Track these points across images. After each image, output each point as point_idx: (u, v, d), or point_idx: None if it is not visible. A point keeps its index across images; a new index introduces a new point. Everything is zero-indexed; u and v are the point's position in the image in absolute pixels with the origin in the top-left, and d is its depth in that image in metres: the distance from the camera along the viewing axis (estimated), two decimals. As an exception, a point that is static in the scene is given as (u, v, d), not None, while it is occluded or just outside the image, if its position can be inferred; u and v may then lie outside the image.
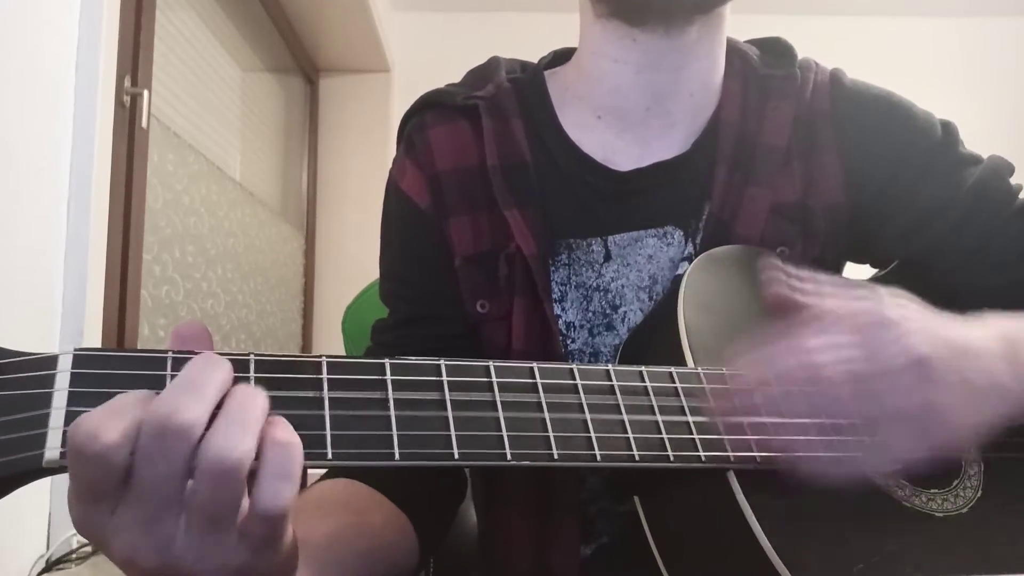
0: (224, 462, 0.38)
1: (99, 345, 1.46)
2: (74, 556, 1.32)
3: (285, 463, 0.39)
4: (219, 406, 0.40)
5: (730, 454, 0.51)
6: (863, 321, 0.54)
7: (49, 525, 1.32)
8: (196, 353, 0.43)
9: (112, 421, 0.38)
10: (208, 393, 0.39)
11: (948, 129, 0.76)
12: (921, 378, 0.52)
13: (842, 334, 0.54)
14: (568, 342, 0.73)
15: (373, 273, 0.88)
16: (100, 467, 0.37)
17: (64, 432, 0.39)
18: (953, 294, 0.75)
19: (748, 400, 0.53)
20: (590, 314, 0.73)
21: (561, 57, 0.84)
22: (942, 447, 0.53)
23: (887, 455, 0.53)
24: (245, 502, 0.39)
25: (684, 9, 0.70)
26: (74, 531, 1.33)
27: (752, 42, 0.82)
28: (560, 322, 0.73)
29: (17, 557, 1.25)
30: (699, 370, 0.55)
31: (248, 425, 0.39)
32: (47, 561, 1.28)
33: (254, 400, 0.40)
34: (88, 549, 1.34)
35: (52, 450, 0.38)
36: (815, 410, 0.53)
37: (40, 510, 1.30)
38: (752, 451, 0.52)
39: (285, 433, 0.40)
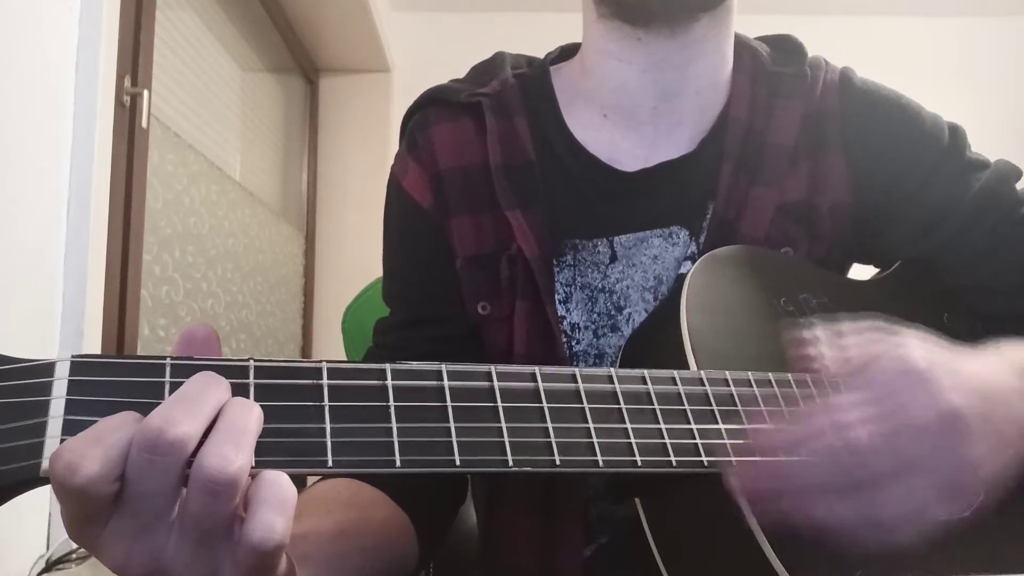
0: (218, 477, 0.37)
1: (99, 345, 1.46)
2: (74, 556, 1.31)
3: (271, 490, 0.39)
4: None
5: (732, 459, 0.51)
6: (889, 373, 0.51)
7: (49, 525, 1.31)
8: (194, 360, 0.42)
9: (93, 450, 0.36)
10: (203, 409, 0.39)
11: (956, 133, 0.76)
12: (954, 433, 0.49)
13: (868, 390, 0.50)
14: (573, 343, 0.72)
15: (373, 273, 0.88)
16: (83, 498, 0.37)
17: (61, 441, 0.38)
18: (959, 295, 0.75)
19: (774, 468, 0.49)
20: (595, 315, 0.73)
21: (568, 52, 0.83)
22: (971, 498, 0.51)
23: (917, 513, 0.49)
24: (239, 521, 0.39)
25: (687, 8, 0.70)
26: (74, 532, 1.33)
27: (762, 39, 0.81)
28: (565, 323, 0.72)
29: (17, 557, 1.25)
30: (702, 373, 0.55)
31: (243, 439, 0.38)
32: (47, 561, 1.28)
33: (248, 414, 0.40)
34: (88, 550, 1.33)
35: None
36: (842, 472, 0.49)
37: (40, 510, 1.30)
38: (755, 455, 0.52)
39: (272, 472, 0.39)
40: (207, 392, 0.39)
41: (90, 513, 0.38)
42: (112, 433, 0.37)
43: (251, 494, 0.39)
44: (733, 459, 0.50)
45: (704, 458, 0.50)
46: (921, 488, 0.48)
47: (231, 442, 0.38)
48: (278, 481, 0.39)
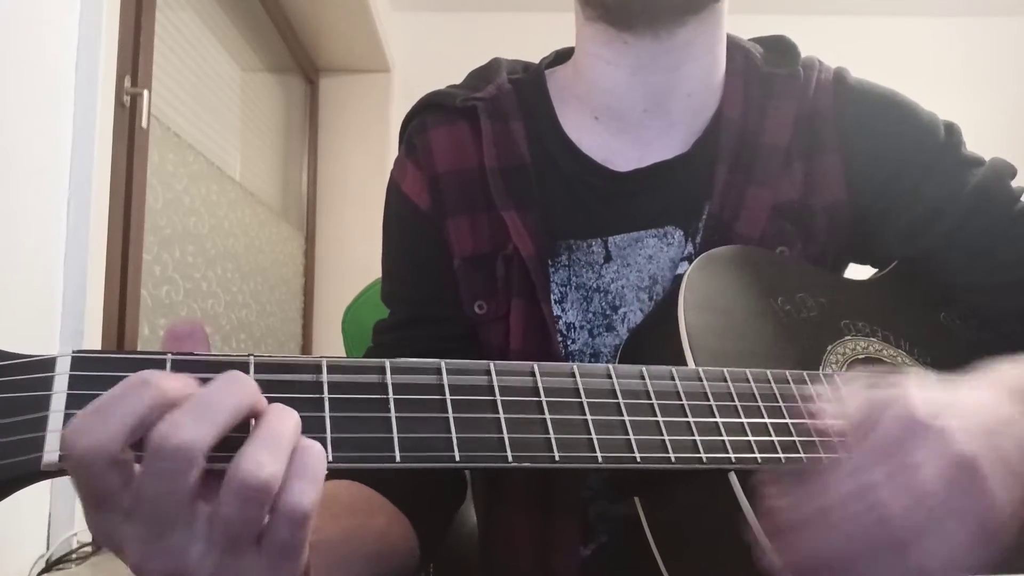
0: (252, 482, 0.37)
1: (99, 345, 1.46)
2: (74, 556, 1.32)
3: (311, 464, 0.39)
4: (241, 427, 0.39)
5: (731, 455, 0.51)
6: (897, 429, 0.49)
7: (49, 525, 1.32)
8: (195, 355, 0.43)
9: (96, 422, 0.37)
10: (219, 414, 0.38)
11: (951, 130, 0.76)
12: (972, 476, 0.48)
13: (878, 450, 0.49)
14: (568, 343, 0.73)
15: (373, 273, 0.88)
16: (89, 473, 0.37)
17: (62, 435, 0.38)
18: (956, 294, 0.75)
19: (811, 543, 0.48)
20: (590, 315, 0.73)
21: (563, 57, 0.84)
22: (1003, 535, 0.49)
23: (955, 560, 0.48)
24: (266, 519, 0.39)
25: (670, 11, 0.70)
26: (74, 531, 1.33)
27: (756, 40, 0.81)
28: (560, 323, 0.73)
29: (17, 557, 1.25)
30: (700, 370, 0.55)
31: (279, 447, 0.38)
32: (47, 561, 1.28)
33: (287, 421, 0.40)
34: (88, 549, 1.34)
35: (50, 453, 0.38)
36: (874, 536, 0.47)
37: (40, 510, 1.30)
38: (753, 452, 0.52)
39: (308, 440, 0.40)
40: (225, 395, 0.39)
41: (101, 495, 0.38)
42: (115, 404, 0.37)
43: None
44: (763, 538, 0.50)
45: (703, 455, 0.51)
46: (954, 534, 0.47)
47: (267, 448, 0.38)
48: (309, 446, 0.39)
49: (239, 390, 0.39)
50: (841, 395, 0.54)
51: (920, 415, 0.49)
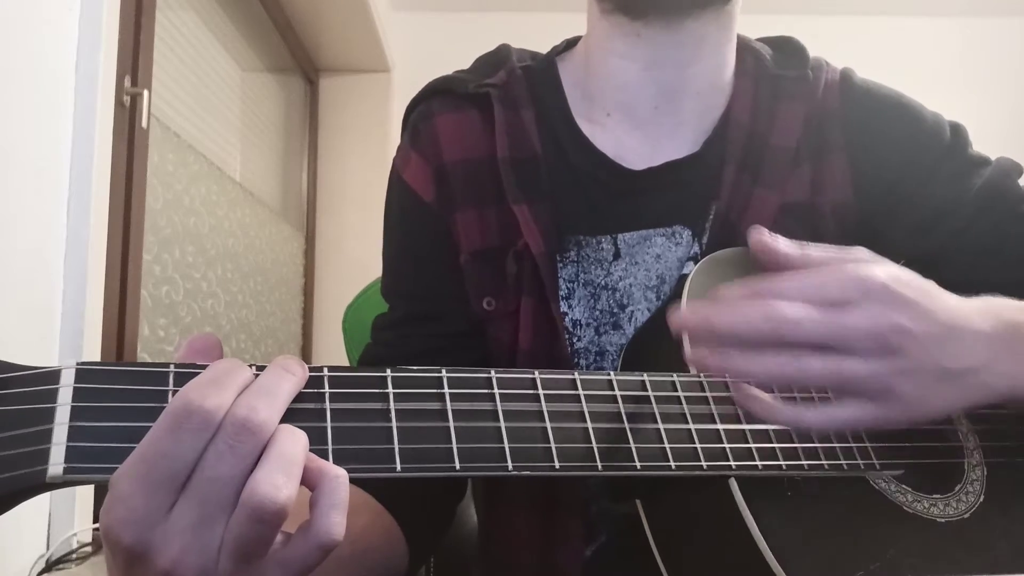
0: (269, 505, 0.38)
1: (99, 344, 1.46)
2: (74, 556, 1.32)
3: (340, 493, 0.41)
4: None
5: (731, 463, 0.51)
6: (842, 278, 0.50)
7: (49, 525, 1.32)
8: (196, 366, 0.43)
9: (213, 391, 0.40)
10: (279, 399, 0.42)
11: (957, 131, 0.76)
12: (892, 349, 0.48)
13: (811, 284, 0.50)
14: (574, 340, 0.72)
15: (373, 273, 0.88)
16: (196, 432, 0.39)
17: (67, 447, 0.38)
18: (962, 293, 0.75)
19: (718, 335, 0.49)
20: (597, 312, 0.73)
21: (573, 45, 0.83)
22: (892, 415, 0.50)
23: (845, 412, 0.50)
24: (278, 538, 0.40)
25: (683, 2, 0.70)
26: (74, 531, 1.33)
27: (764, 41, 0.81)
28: (566, 320, 0.72)
29: (17, 557, 1.25)
30: (701, 377, 0.55)
31: (292, 469, 0.40)
32: (47, 561, 1.28)
33: (297, 443, 0.41)
34: (88, 549, 1.34)
35: (55, 465, 0.38)
36: (780, 359, 0.48)
37: (40, 510, 1.30)
38: (754, 459, 0.52)
39: (334, 467, 0.42)
40: (282, 382, 0.43)
41: (176, 471, 0.38)
42: (226, 376, 0.41)
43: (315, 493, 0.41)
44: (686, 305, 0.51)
45: (703, 462, 0.51)
46: (856, 382, 0.49)
47: (282, 471, 0.39)
48: (337, 476, 0.42)
49: (292, 378, 0.43)
50: (808, 251, 0.54)
51: (879, 276, 0.50)
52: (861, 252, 0.55)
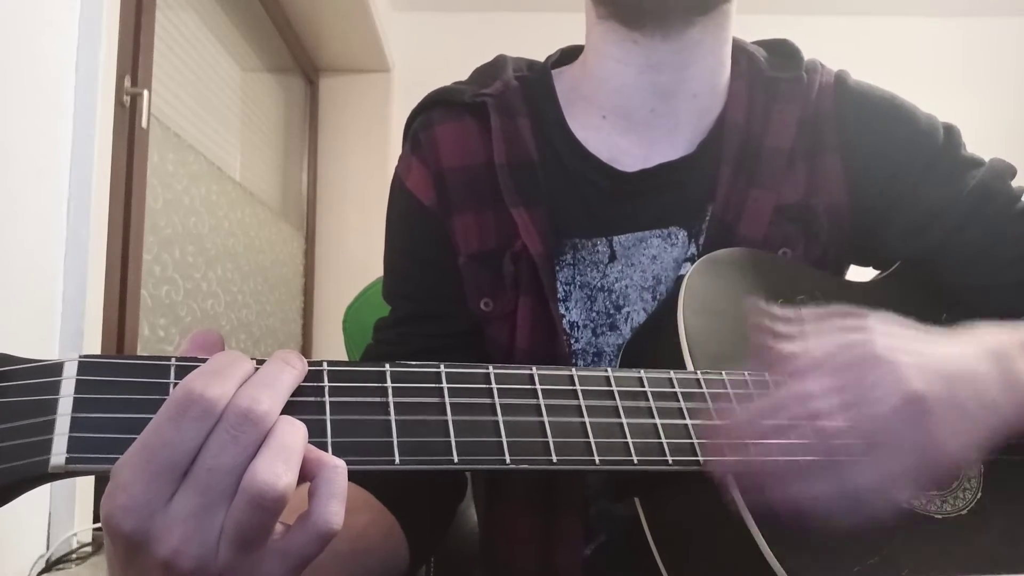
0: (269, 492, 0.39)
1: (99, 344, 1.46)
2: (74, 556, 1.32)
3: (339, 482, 0.42)
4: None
5: (728, 459, 0.51)
6: (850, 360, 0.52)
7: (49, 525, 1.32)
8: (198, 360, 0.43)
9: (214, 381, 0.40)
10: (280, 391, 0.42)
11: (950, 132, 0.76)
12: (917, 413, 0.51)
13: (828, 378, 0.52)
14: (572, 342, 0.73)
15: (373, 273, 0.88)
16: (198, 421, 0.39)
17: (69, 438, 0.39)
18: (958, 295, 0.75)
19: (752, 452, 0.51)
20: (594, 314, 0.73)
21: (568, 56, 0.84)
22: (939, 476, 0.53)
23: (887, 487, 0.51)
24: (277, 528, 0.41)
25: (680, 11, 0.70)
26: (74, 531, 1.33)
27: (759, 43, 0.82)
28: (564, 321, 0.73)
29: (17, 557, 1.25)
30: (698, 374, 0.55)
31: (292, 458, 0.40)
32: (47, 561, 1.28)
33: (296, 433, 0.41)
34: (88, 549, 1.34)
35: (58, 456, 0.38)
36: (814, 452, 0.51)
37: (40, 510, 1.31)
38: (752, 455, 0.52)
39: (333, 457, 0.42)
40: (283, 374, 0.43)
41: (177, 459, 0.39)
42: (228, 368, 0.41)
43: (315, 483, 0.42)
44: (707, 442, 0.52)
45: (700, 457, 0.51)
46: (888, 461, 0.50)
47: (282, 459, 0.40)
48: (336, 466, 0.42)
49: (292, 371, 0.44)
50: (805, 329, 0.56)
51: (876, 350, 0.52)
52: (850, 319, 0.56)
